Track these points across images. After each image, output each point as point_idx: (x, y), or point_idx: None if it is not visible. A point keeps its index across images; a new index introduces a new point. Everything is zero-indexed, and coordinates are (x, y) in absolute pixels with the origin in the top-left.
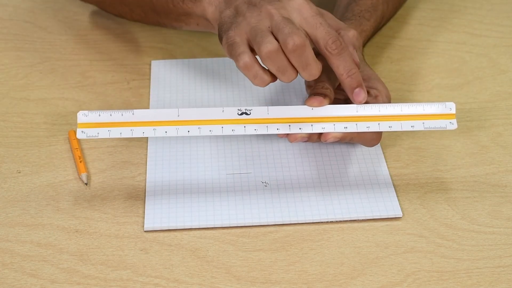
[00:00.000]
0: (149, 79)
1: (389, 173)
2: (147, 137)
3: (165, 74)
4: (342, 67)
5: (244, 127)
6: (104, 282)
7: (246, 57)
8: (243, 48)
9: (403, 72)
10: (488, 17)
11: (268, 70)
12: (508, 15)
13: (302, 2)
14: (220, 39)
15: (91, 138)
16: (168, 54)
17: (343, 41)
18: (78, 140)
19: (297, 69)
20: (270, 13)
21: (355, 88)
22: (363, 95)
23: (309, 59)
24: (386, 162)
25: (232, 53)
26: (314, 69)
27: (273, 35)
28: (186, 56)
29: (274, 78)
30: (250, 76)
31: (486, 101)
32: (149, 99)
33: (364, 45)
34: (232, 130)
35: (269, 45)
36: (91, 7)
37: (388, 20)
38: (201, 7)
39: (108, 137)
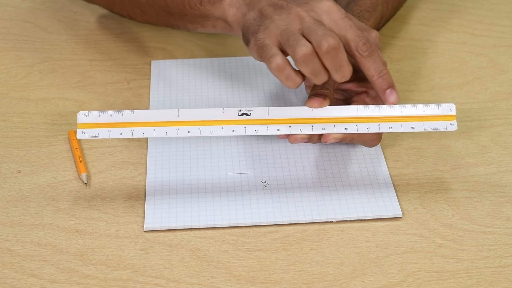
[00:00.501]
0: (149, 79)
1: (389, 173)
2: (147, 137)
3: (165, 74)
4: (373, 68)
5: (245, 127)
6: (104, 282)
7: (279, 59)
8: (275, 50)
9: (403, 72)
10: (488, 17)
11: (299, 72)
12: (508, 15)
13: (331, 5)
14: (247, 41)
15: (91, 138)
16: (168, 54)
17: (373, 43)
18: (78, 140)
19: (330, 71)
20: (300, 15)
21: (387, 89)
22: (395, 95)
23: (343, 60)
24: (386, 162)
25: (263, 55)
26: (347, 71)
27: (305, 38)
28: (186, 56)
29: (304, 79)
30: (282, 78)
31: (486, 101)
32: (149, 99)
33: None
34: (233, 131)
35: (304, 48)
36: (91, 7)
37: (387, 20)
38: (221, 9)
39: (108, 137)
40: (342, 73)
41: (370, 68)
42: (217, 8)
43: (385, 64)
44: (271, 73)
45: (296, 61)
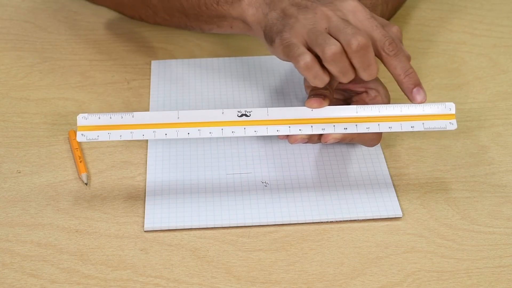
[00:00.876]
0: (149, 79)
1: (389, 173)
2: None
3: (165, 74)
4: (399, 68)
5: (244, 128)
6: (104, 282)
7: (308, 57)
8: (302, 49)
9: None
10: (488, 17)
11: (326, 70)
12: (508, 15)
13: (356, 5)
14: (271, 41)
15: (91, 141)
16: (168, 54)
17: (396, 38)
18: None
19: (358, 69)
20: (326, 14)
21: (414, 88)
22: (422, 94)
23: (371, 59)
24: (386, 162)
25: (290, 54)
26: (375, 69)
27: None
28: (186, 56)
29: (331, 77)
30: (310, 76)
31: (486, 101)
32: (149, 99)
33: None
34: (232, 132)
35: (333, 47)
36: (91, 7)
37: (387, 20)
38: (239, 9)
39: (108, 139)
40: (370, 72)
41: (397, 67)
42: (236, 8)
43: (409, 58)
44: (300, 72)
45: (325, 60)
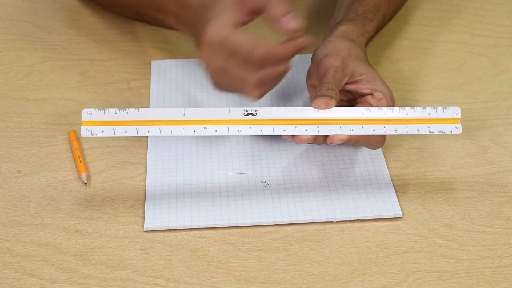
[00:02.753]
0: (149, 79)
1: (389, 173)
2: (147, 137)
3: (165, 74)
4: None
5: (250, 127)
6: (104, 282)
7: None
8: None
9: (403, 72)
10: (488, 17)
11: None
12: (508, 15)
13: None
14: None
15: (95, 136)
16: (168, 54)
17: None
18: (78, 140)
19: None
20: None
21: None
22: (294, 20)
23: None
24: (386, 162)
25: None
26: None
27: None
28: (186, 56)
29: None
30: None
31: (486, 101)
32: (149, 99)
33: (366, 45)
34: (238, 130)
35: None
36: (91, 7)
37: (389, 20)
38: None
39: (113, 135)
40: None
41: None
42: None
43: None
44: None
45: None
